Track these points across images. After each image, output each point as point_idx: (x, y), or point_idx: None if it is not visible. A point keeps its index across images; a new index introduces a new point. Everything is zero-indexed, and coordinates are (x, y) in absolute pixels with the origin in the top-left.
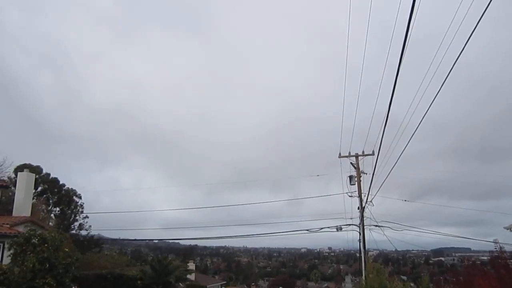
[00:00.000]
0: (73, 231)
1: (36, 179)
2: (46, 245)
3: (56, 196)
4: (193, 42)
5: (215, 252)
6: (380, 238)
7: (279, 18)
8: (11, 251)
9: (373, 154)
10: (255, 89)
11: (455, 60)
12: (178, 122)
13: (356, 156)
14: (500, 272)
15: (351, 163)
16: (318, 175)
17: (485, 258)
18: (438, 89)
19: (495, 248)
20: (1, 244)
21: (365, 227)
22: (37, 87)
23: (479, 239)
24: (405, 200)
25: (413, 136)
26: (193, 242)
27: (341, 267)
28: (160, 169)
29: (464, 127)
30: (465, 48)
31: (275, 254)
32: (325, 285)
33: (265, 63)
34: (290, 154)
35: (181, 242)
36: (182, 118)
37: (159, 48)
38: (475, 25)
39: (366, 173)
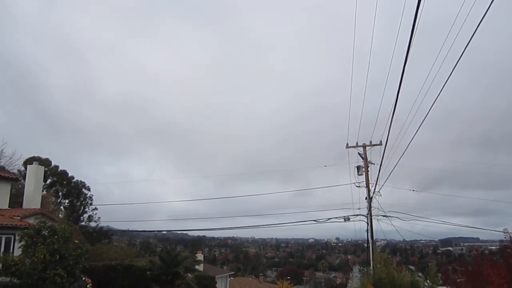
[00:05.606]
0: (83, 223)
1: (45, 171)
2: (56, 236)
3: (65, 188)
4: (206, 33)
5: (223, 243)
6: (388, 228)
7: (292, 7)
8: (22, 243)
9: (380, 144)
10: (267, 80)
11: (465, 45)
12: (190, 115)
13: (364, 146)
14: (510, 261)
15: (358, 153)
16: (325, 166)
17: (494, 247)
18: (448, 75)
19: (505, 238)
20: (12, 236)
21: (373, 217)
22: (49, 81)
23: (489, 229)
24: (414, 190)
25: (422, 125)
26: (201, 233)
27: (349, 257)
28: (171, 161)
29: (475, 115)
30: (475, 34)
31: (283, 245)
32: (333, 275)
33: (278, 52)
34: (300, 145)
35: (190, 233)
36: (194, 110)
37: (172, 40)
38: (487, 7)
39: (374, 163)
